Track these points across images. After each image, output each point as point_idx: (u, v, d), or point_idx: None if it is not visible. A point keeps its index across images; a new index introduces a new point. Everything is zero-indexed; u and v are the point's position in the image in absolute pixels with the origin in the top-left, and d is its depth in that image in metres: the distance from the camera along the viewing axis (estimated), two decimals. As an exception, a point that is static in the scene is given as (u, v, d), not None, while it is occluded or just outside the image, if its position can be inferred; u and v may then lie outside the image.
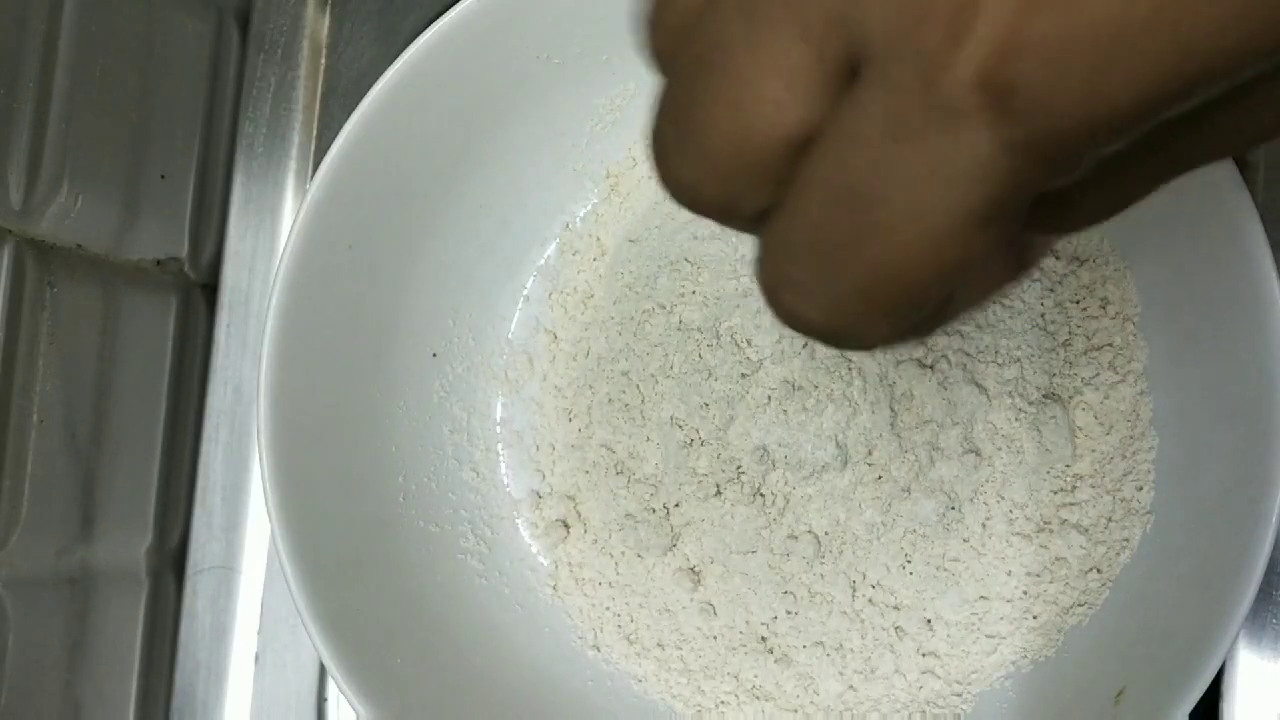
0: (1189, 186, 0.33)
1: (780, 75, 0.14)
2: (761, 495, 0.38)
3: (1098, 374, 0.38)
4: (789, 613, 0.39)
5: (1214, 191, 0.32)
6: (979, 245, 0.14)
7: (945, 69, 0.13)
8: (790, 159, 0.15)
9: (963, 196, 0.13)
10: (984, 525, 0.38)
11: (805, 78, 0.14)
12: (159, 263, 0.45)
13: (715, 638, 0.39)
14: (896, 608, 0.39)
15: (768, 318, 0.37)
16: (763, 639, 0.39)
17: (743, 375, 0.37)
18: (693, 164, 0.16)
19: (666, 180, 0.17)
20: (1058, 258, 0.39)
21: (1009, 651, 0.38)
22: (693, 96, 0.15)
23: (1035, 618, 0.38)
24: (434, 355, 0.39)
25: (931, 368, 0.37)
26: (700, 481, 0.38)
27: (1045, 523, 0.38)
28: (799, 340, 0.37)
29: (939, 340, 0.37)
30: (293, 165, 0.46)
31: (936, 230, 0.14)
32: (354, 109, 0.35)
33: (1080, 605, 0.37)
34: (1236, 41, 0.13)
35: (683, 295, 0.39)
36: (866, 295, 0.15)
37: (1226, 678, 0.38)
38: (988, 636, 0.38)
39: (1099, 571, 0.37)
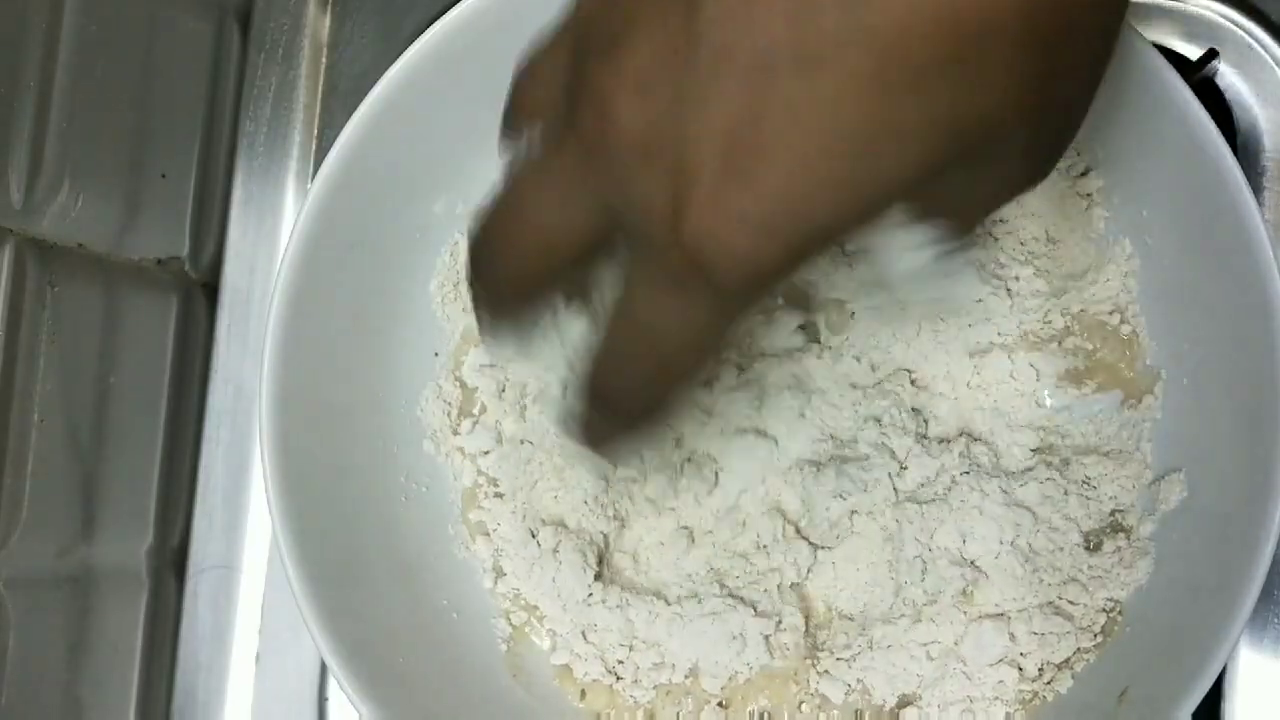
0: (1192, 192, 0.33)
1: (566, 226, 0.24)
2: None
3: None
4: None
5: (1218, 196, 0.32)
6: (713, 346, 0.25)
7: (668, 259, 0.22)
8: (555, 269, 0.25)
9: (695, 324, 0.24)
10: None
11: (581, 234, 0.24)
12: (160, 262, 0.45)
13: None
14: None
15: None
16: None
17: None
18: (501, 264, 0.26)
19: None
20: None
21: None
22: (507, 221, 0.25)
23: (1037, 617, 0.37)
24: (435, 354, 0.39)
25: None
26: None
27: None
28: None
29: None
30: (293, 165, 0.46)
31: (682, 342, 0.24)
32: (355, 108, 0.35)
33: (1082, 605, 0.37)
34: (836, 222, 0.21)
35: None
36: (650, 378, 0.25)
37: (1228, 678, 0.38)
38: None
39: (1101, 571, 0.37)
